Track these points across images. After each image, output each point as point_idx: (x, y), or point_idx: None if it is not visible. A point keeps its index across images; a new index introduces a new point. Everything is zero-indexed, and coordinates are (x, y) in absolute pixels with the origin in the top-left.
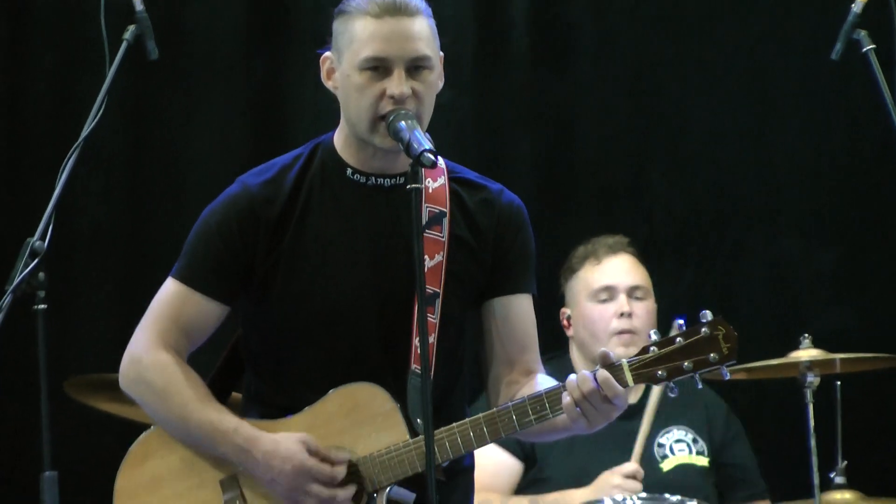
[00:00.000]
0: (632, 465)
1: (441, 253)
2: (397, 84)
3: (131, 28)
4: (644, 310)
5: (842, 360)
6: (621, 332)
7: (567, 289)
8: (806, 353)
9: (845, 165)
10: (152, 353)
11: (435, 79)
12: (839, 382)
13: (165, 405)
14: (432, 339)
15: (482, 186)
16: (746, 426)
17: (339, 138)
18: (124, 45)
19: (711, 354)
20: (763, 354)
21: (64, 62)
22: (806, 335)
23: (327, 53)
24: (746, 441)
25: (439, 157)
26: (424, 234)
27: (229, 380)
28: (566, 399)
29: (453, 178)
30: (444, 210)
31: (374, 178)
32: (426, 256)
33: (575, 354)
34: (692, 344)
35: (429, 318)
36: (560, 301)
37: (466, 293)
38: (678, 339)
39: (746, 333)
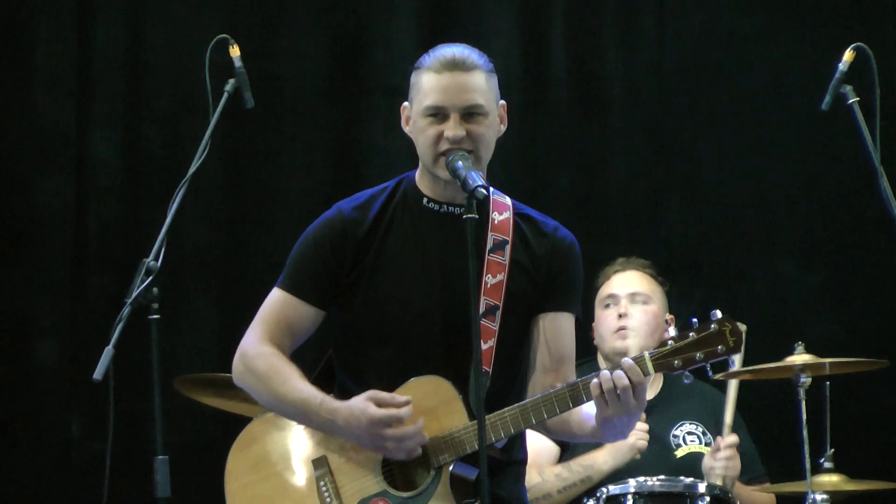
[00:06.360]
0: (643, 425)
1: (503, 273)
2: (452, 128)
3: (231, 81)
4: (642, 311)
5: (830, 363)
6: (618, 329)
7: (594, 305)
8: (799, 357)
9: (832, 200)
10: (256, 347)
11: (490, 122)
12: (828, 382)
13: (266, 387)
14: (492, 342)
15: (541, 222)
16: (749, 419)
17: (419, 173)
18: (225, 95)
19: (720, 346)
20: (763, 359)
21: (174, 109)
22: (799, 343)
23: (405, 104)
24: (746, 432)
25: (507, 197)
26: (489, 258)
27: (327, 381)
28: (594, 381)
29: (517, 214)
30: (507, 238)
31: (445, 206)
32: (490, 275)
33: (600, 358)
34: (703, 338)
35: (490, 325)
36: (592, 312)
37: (524, 309)
38: (691, 334)
39: (748, 341)
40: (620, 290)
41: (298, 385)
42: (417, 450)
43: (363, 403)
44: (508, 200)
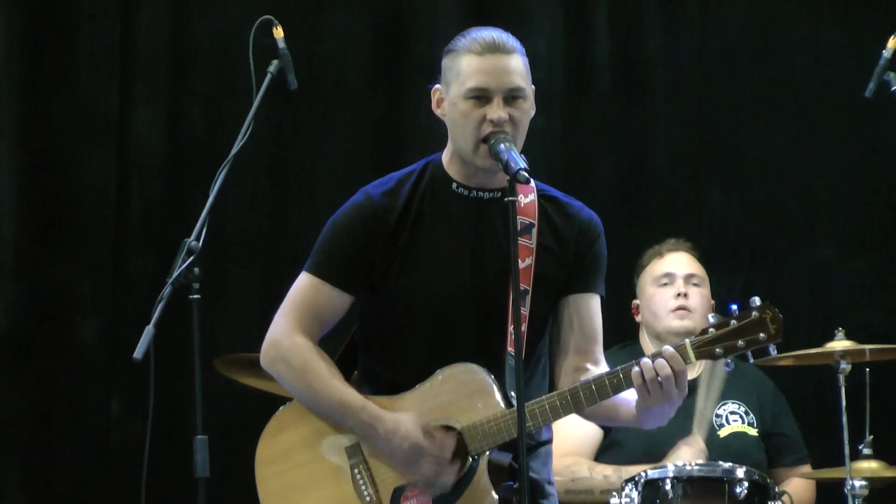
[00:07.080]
0: (700, 444)
1: (530, 257)
2: (496, 110)
3: (275, 62)
4: (698, 294)
5: (870, 350)
6: (678, 309)
7: (637, 283)
8: (840, 343)
9: (874, 186)
10: (290, 337)
11: (528, 107)
12: (868, 369)
13: (302, 382)
14: (523, 326)
15: (566, 203)
16: (789, 405)
17: (446, 157)
18: (268, 77)
19: (761, 334)
20: (803, 344)
21: (217, 90)
22: (840, 329)
23: (437, 86)
24: (791, 414)
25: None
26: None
27: (349, 363)
28: (635, 370)
29: (542, 195)
30: (533, 222)
31: (475, 192)
32: (518, 259)
33: (644, 338)
34: (744, 326)
35: (520, 310)
36: (633, 297)
37: (551, 292)
38: (733, 321)
39: (789, 326)
40: (677, 269)
41: (338, 386)
42: (447, 486)
43: (414, 427)
44: (532, 182)
